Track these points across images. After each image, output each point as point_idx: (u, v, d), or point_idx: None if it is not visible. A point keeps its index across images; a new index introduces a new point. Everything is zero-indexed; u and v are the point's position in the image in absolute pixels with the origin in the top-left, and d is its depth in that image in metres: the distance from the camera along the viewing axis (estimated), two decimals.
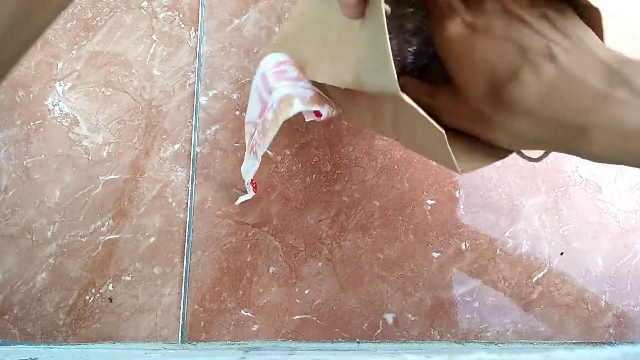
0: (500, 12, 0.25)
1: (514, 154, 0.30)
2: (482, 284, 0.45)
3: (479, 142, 0.29)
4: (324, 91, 0.33)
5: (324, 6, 0.31)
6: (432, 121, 0.24)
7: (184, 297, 0.45)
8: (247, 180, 0.41)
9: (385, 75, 0.23)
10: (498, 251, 0.46)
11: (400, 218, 0.46)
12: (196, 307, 0.45)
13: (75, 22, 0.51)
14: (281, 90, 0.30)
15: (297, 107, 0.30)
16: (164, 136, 0.48)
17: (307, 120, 0.37)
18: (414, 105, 0.24)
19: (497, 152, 0.29)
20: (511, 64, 0.24)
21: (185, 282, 0.45)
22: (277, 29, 0.51)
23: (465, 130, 0.28)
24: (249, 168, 0.39)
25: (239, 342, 0.44)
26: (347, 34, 0.27)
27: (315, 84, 0.32)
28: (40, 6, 0.21)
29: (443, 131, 0.25)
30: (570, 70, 0.23)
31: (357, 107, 0.33)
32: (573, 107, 0.23)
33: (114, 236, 0.46)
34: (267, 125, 0.32)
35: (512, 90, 0.24)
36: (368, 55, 0.25)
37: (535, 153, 0.31)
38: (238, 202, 0.45)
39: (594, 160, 0.25)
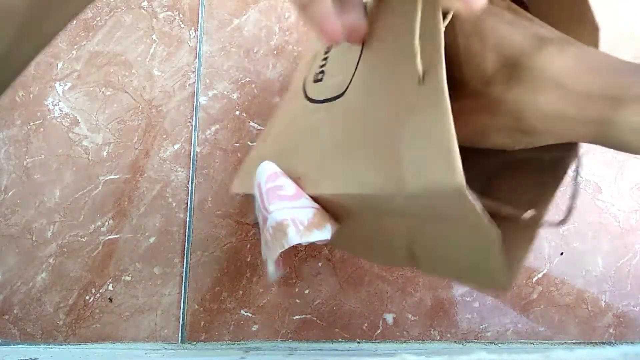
0: (507, 8, 0.25)
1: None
2: None
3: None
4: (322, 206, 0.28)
5: (322, 113, 0.28)
6: (488, 220, 0.20)
7: (184, 297, 0.45)
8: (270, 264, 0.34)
9: (444, 168, 0.18)
10: None
11: None
12: (196, 307, 0.45)
13: (75, 22, 0.51)
14: (276, 215, 0.26)
15: (292, 238, 0.26)
16: (164, 136, 0.48)
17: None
18: (476, 204, 0.19)
19: (523, 237, 0.26)
20: (529, 42, 0.23)
21: (185, 282, 0.45)
22: (277, 29, 0.51)
23: (468, 137, 0.27)
24: (266, 256, 0.32)
25: (239, 342, 0.44)
26: (376, 129, 0.23)
27: (315, 198, 0.27)
28: (50, 16, 0.21)
29: (499, 231, 0.20)
30: (594, 52, 0.23)
31: (355, 227, 0.28)
32: (608, 79, 0.22)
33: (114, 236, 0.46)
34: (269, 242, 0.28)
35: (537, 61, 0.22)
36: (418, 146, 0.20)
37: (556, 215, 0.28)
38: (271, 278, 0.39)
39: (620, 144, 0.23)
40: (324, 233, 0.27)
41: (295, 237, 0.26)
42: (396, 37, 0.23)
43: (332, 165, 0.25)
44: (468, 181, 0.18)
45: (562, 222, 0.28)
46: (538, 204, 0.27)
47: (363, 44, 0.26)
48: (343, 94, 0.27)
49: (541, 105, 0.23)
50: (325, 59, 0.31)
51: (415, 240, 0.26)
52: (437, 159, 0.19)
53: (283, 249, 0.26)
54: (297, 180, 0.27)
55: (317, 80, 0.30)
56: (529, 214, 0.26)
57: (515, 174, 0.30)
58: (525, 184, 0.29)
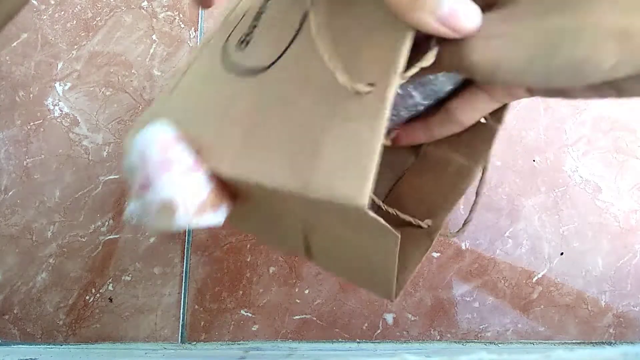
0: None
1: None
2: (482, 284, 0.45)
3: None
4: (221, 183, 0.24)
5: (240, 83, 0.25)
6: (390, 227, 0.20)
7: (184, 297, 0.45)
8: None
9: (355, 185, 0.18)
10: (498, 251, 0.46)
11: None
12: (196, 307, 0.45)
13: (75, 22, 0.51)
14: (163, 191, 0.22)
15: (180, 221, 0.22)
16: None
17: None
18: (379, 219, 0.19)
19: (417, 245, 0.25)
20: None
21: (185, 282, 0.45)
22: None
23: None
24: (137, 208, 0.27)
25: (239, 342, 0.44)
26: (297, 122, 0.21)
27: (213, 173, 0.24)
28: None
29: (398, 235, 0.21)
30: None
31: (253, 209, 0.26)
32: None
33: (114, 236, 0.46)
34: (149, 214, 0.23)
35: None
36: (337, 155, 0.19)
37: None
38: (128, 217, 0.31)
39: None
40: (217, 215, 0.24)
41: (183, 219, 0.23)
42: (350, 39, 0.21)
43: (238, 145, 0.23)
44: (377, 179, 0.18)
45: (458, 232, 0.28)
46: (436, 214, 0.26)
47: (303, 23, 0.24)
48: (267, 69, 0.24)
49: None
50: (256, 19, 0.27)
51: (311, 235, 0.25)
52: (350, 174, 0.18)
53: (166, 229, 0.23)
54: (197, 149, 0.24)
55: (242, 42, 0.27)
56: (426, 223, 0.26)
57: (422, 178, 0.29)
58: (429, 191, 0.28)
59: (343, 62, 0.20)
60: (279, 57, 0.24)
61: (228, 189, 0.25)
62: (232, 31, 0.28)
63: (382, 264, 0.23)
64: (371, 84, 0.19)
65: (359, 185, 0.17)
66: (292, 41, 0.24)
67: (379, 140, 0.18)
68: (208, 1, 0.29)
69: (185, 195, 0.22)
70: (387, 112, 0.18)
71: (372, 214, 0.18)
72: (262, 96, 0.23)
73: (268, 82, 0.24)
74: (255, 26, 0.26)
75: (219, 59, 0.27)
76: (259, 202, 0.25)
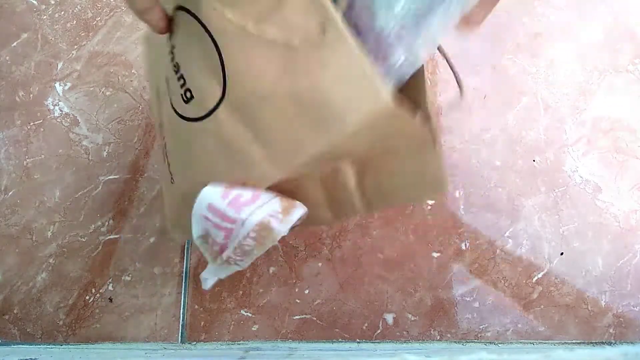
0: None
1: None
2: (482, 284, 0.45)
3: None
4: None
5: (219, 122, 0.27)
6: (420, 123, 0.25)
7: (184, 297, 0.45)
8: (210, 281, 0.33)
9: (370, 94, 0.21)
10: (498, 251, 0.46)
11: (400, 218, 0.46)
12: (196, 307, 0.45)
13: (75, 22, 0.51)
14: (253, 219, 0.27)
15: (279, 229, 0.27)
16: None
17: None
18: (410, 119, 0.24)
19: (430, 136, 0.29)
20: None
21: (185, 282, 0.45)
22: None
23: None
24: (221, 272, 0.32)
25: (239, 342, 0.44)
26: (290, 95, 0.24)
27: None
28: None
29: (430, 132, 0.25)
30: None
31: (308, 200, 0.30)
32: None
33: (114, 236, 0.46)
34: (247, 248, 0.28)
35: None
36: (343, 92, 0.22)
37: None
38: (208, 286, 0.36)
39: None
40: (298, 209, 0.28)
41: (280, 226, 0.27)
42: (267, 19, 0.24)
43: (263, 156, 0.26)
44: None
45: (460, 99, 0.32)
46: (421, 104, 0.29)
47: (215, 43, 0.26)
48: (225, 94, 0.26)
49: None
50: (177, 71, 0.29)
51: (364, 177, 0.29)
52: (361, 93, 0.22)
53: (273, 244, 0.28)
54: (245, 183, 0.27)
55: (188, 100, 0.28)
56: (420, 114, 0.28)
57: None
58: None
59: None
60: (224, 78, 0.26)
61: (286, 193, 0.29)
62: (171, 100, 0.30)
63: (427, 162, 0.28)
64: (320, 24, 0.22)
65: (373, 91, 0.21)
66: (221, 61, 0.26)
67: (362, 54, 0.21)
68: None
69: (267, 211, 0.27)
70: (348, 33, 0.21)
71: (399, 107, 0.22)
72: (245, 109, 0.26)
73: (236, 97, 0.26)
74: (184, 82, 0.28)
75: (184, 123, 0.29)
76: (312, 186, 0.30)
